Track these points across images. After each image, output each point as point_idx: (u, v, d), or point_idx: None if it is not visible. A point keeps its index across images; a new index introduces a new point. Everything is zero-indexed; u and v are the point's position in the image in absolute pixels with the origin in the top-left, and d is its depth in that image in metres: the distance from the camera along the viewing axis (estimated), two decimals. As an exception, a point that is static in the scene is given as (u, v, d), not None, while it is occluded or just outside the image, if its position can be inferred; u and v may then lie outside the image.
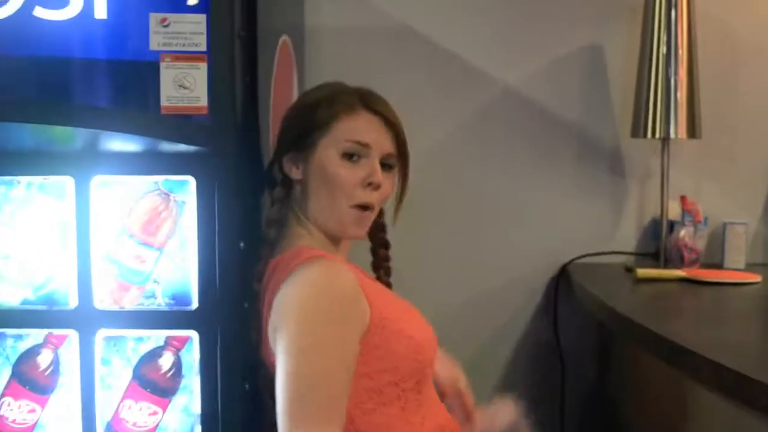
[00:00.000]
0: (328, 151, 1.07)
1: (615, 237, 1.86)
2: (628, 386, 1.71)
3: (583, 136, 1.85)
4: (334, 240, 1.12)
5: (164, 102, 1.07)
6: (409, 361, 1.06)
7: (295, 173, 1.11)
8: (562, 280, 1.84)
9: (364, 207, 1.08)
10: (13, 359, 1.14)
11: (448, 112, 1.85)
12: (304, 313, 0.99)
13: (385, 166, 1.10)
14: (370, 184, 1.06)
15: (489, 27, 1.84)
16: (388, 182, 1.10)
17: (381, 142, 1.09)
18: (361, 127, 1.08)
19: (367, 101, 1.10)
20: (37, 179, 1.14)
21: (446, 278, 1.82)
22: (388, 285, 1.23)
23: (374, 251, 1.22)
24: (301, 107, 1.15)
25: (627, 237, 1.87)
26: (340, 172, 1.06)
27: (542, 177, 1.86)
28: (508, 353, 1.91)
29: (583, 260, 1.83)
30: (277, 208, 1.12)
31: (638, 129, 1.75)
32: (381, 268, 1.23)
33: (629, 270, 1.73)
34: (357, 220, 1.08)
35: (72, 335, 1.12)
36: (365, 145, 1.07)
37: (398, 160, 1.12)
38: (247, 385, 1.11)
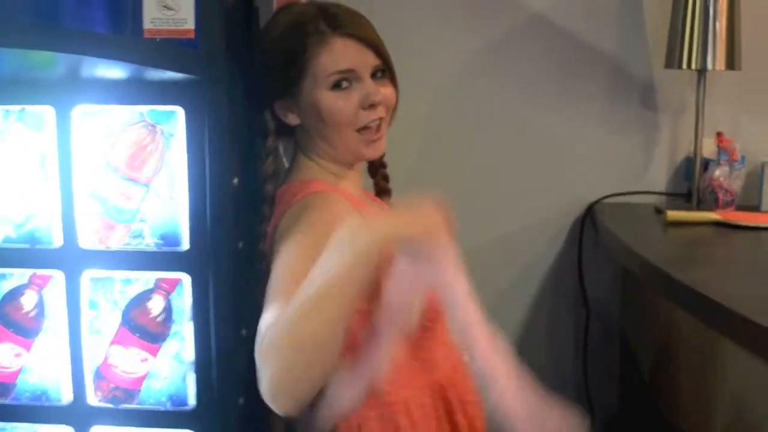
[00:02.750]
0: (315, 91, 1.04)
1: (645, 176, 1.81)
2: (653, 336, 1.66)
3: (614, 65, 1.77)
4: (348, 165, 1.11)
5: (147, 25, 1.00)
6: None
7: (292, 119, 1.09)
8: (588, 221, 1.80)
9: (371, 129, 1.06)
10: None
11: (470, 36, 1.78)
12: (299, 227, 0.95)
13: (377, 75, 1.07)
14: (371, 106, 1.04)
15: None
16: (387, 91, 1.07)
17: (364, 60, 1.05)
18: (339, 55, 1.04)
19: (336, 25, 1.05)
20: (15, 108, 1.08)
21: (466, 218, 1.73)
22: (388, 192, 1.25)
23: (371, 163, 1.22)
24: (271, 46, 1.08)
25: (657, 176, 1.81)
26: (335, 105, 1.04)
27: (569, 109, 1.79)
28: (530, 297, 1.90)
29: (610, 200, 1.79)
30: (272, 159, 1.09)
31: (673, 59, 1.67)
32: (378, 174, 1.24)
33: (659, 212, 1.68)
34: (368, 142, 1.07)
35: (57, 275, 1.08)
36: (349, 71, 1.04)
37: (386, 69, 1.09)
38: (244, 331, 1.05)
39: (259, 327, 0.83)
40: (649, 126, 1.79)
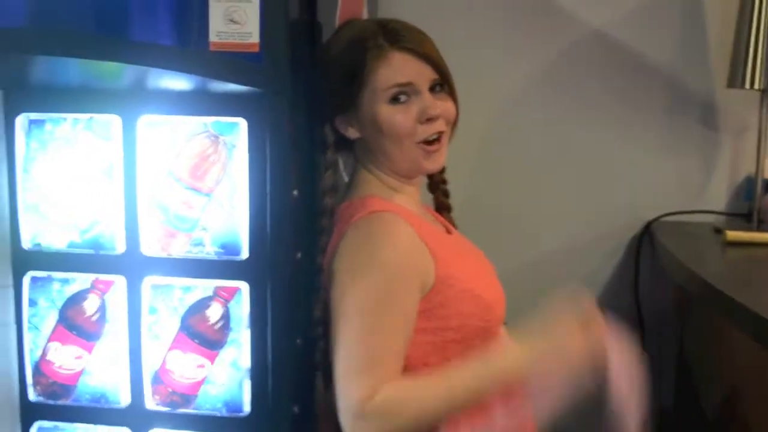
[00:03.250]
0: (374, 104, 1.07)
1: (704, 195, 1.79)
2: (712, 358, 1.64)
3: (675, 84, 1.76)
4: (408, 178, 1.13)
5: (213, 38, 1.01)
6: (475, 321, 1.07)
7: (352, 132, 1.11)
8: (645, 239, 1.80)
9: (431, 141, 1.08)
10: (59, 304, 1.15)
11: (528, 54, 1.79)
12: (358, 269, 1.01)
13: (436, 90, 1.09)
14: (428, 120, 1.06)
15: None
16: (446, 105, 1.09)
17: (422, 73, 1.07)
18: (397, 69, 1.06)
19: (395, 40, 1.08)
20: (83, 117, 1.12)
21: (524, 234, 1.79)
22: (448, 208, 1.28)
23: (431, 178, 1.26)
24: (332, 62, 1.11)
25: (717, 195, 1.79)
26: (393, 118, 1.06)
27: (628, 127, 1.78)
28: None
29: (668, 218, 1.77)
30: (331, 173, 1.12)
31: (736, 78, 1.63)
32: (438, 190, 1.27)
33: (718, 231, 1.65)
34: (427, 155, 1.09)
35: (119, 281, 1.12)
36: (408, 85, 1.06)
37: (444, 84, 1.11)
38: (299, 341, 1.08)
39: (356, 387, 0.96)
40: (710, 145, 1.78)
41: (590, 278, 1.84)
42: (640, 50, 1.75)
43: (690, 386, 1.73)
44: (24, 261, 1.15)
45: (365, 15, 1.47)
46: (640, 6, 1.75)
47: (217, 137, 1.08)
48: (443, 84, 1.09)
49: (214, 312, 1.10)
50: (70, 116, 1.12)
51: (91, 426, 1.16)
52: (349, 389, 0.97)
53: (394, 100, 1.05)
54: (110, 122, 1.10)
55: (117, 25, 1.07)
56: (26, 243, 1.14)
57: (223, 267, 1.10)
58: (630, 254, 1.82)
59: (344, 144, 1.14)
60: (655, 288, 1.81)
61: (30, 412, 1.18)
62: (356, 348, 0.99)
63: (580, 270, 1.83)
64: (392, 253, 1.02)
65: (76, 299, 1.14)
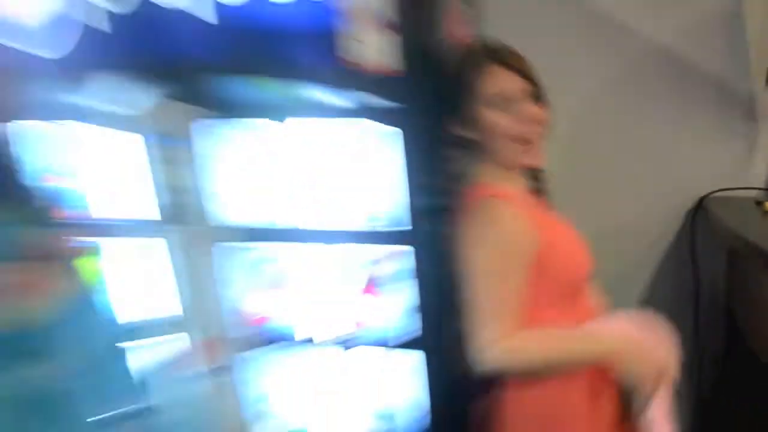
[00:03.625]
0: (484, 110, 1.31)
1: (748, 174, 1.98)
2: (756, 308, 1.78)
3: (723, 84, 1.94)
4: (512, 168, 1.38)
5: (366, 63, 1.25)
6: (569, 274, 1.36)
7: (468, 134, 1.36)
8: (700, 212, 1.99)
9: (528, 140, 1.32)
10: (262, 263, 1.50)
11: (602, 62, 2.00)
12: (487, 241, 1.30)
13: (533, 99, 1.32)
14: (525, 122, 1.31)
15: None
16: (542, 110, 1.33)
17: (517, 85, 1.31)
18: (501, 82, 1.30)
19: (495, 56, 1.32)
20: (272, 123, 1.42)
21: (598, 208, 1.95)
22: (544, 191, 1.51)
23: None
24: (452, 82, 1.35)
25: (759, 174, 1.98)
26: (496, 121, 1.31)
27: (685, 120, 1.98)
28: (646, 280, 2.10)
29: (718, 194, 1.96)
30: (453, 166, 1.41)
31: None
32: (537, 179, 1.49)
33: (759, 203, 1.85)
34: (527, 151, 1.34)
35: (306, 246, 1.46)
36: (510, 95, 1.30)
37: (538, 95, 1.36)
38: (447, 286, 1.37)
39: (485, 331, 1.28)
40: (752, 133, 1.93)
41: (655, 244, 2.04)
42: (694, 57, 1.93)
43: (740, 335, 1.89)
44: (233, 231, 1.46)
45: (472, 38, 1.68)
46: (693, 20, 1.92)
47: (375, 139, 1.36)
48: (537, 94, 1.32)
49: (383, 268, 1.43)
50: (260, 123, 1.42)
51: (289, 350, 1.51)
52: (479, 334, 1.28)
53: (498, 107, 1.30)
54: (293, 127, 1.40)
55: (293, 56, 1.29)
56: (234, 220, 1.46)
57: (394, 236, 1.39)
58: (687, 224, 2.01)
59: (463, 142, 1.40)
60: (708, 252, 1.99)
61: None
62: (483, 302, 1.29)
63: (645, 238, 2.04)
64: (509, 229, 1.30)
65: (275, 260, 1.49)
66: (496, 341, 1.27)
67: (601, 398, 1.40)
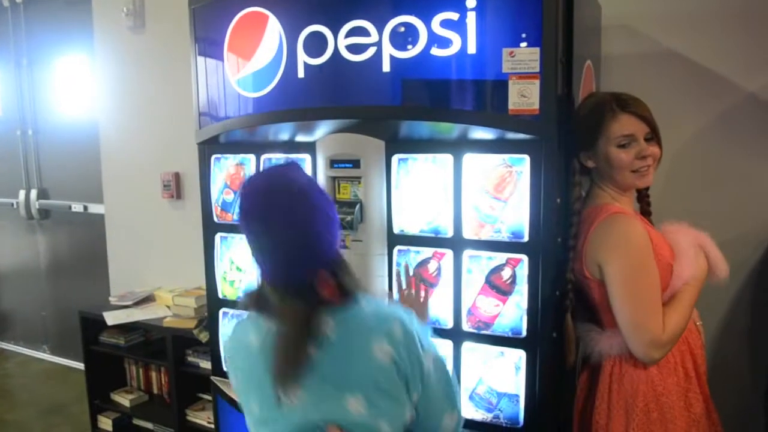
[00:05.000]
0: (607, 147, 1.59)
1: None
2: None
3: None
4: (625, 191, 1.65)
5: (511, 106, 1.56)
6: (667, 279, 1.61)
7: (591, 164, 1.65)
8: None
9: (644, 171, 1.60)
10: (413, 264, 1.78)
11: (698, 116, 2.25)
12: (625, 253, 1.56)
13: (649, 140, 1.58)
14: (642, 158, 1.58)
15: (735, 42, 2.17)
16: (655, 149, 1.59)
17: (639, 128, 1.57)
18: (624, 125, 1.57)
19: (623, 105, 1.58)
20: (430, 156, 1.74)
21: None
22: (649, 212, 1.79)
23: (639, 193, 1.77)
24: (581, 119, 1.64)
25: None
26: (619, 156, 1.58)
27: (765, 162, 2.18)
28: (725, 304, 2.28)
29: None
30: (578, 188, 1.66)
31: None
32: (643, 202, 1.80)
33: None
34: (639, 177, 1.61)
35: (449, 253, 1.73)
36: (629, 135, 1.57)
37: (654, 136, 1.61)
38: (558, 292, 1.64)
39: (650, 327, 1.53)
40: None
41: (739, 267, 2.20)
42: None
43: None
44: (394, 240, 1.77)
45: (594, 88, 1.97)
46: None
47: (511, 167, 1.64)
48: (653, 135, 1.60)
49: (506, 273, 1.67)
50: (421, 156, 1.74)
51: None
52: (646, 330, 1.54)
53: (621, 146, 1.58)
54: (446, 159, 1.70)
55: (450, 100, 1.62)
56: (396, 229, 1.78)
57: (512, 246, 1.65)
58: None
59: (585, 170, 1.68)
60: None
61: None
62: (639, 302, 1.55)
63: (734, 260, 2.07)
64: (638, 237, 1.55)
65: (423, 263, 1.76)
66: (662, 333, 1.54)
67: (691, 383, 1.64)
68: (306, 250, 1.16)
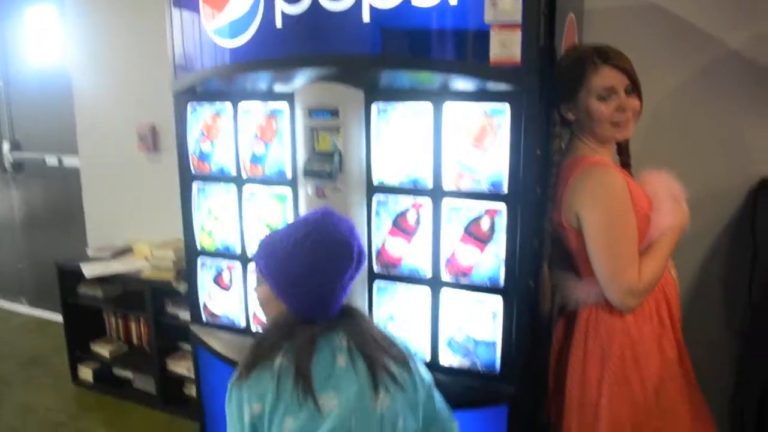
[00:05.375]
0: (587, 99, 1.59)
1: None
2: None
3: None
4: (604, 143, 1.67)
5: (492, 57, 1.54)
6: (645, 229, 1.63)
7: (571, 116, 1.66)
8: (760, 192, 2.17)
9: (623, 124, 1.60)
10: (393, 215, 1.78)
11: (680, 70, 2.25)
12: (603, 203, 1.58)
13: (629, 93, 1.59)
14: (622, 110, 1.58)
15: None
16: (635, 102, 1.60)
17: (620, 81, 1.57)
18: (605, 77, 1.57)
19: (605, 57, 1.58)
20: (410, 104, 1.72)
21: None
22: (629, 164, 1.82)
23: (619, 146, 1.79)
24: (562, 71, 1.64)
25: None
26: (599, 109, 1.59)
27: (747, 114, 2.18)
28: (704, 250, 2.30)
29: None
30: (558, 140, 1.67)
31: None
32: (623, 155, 1.82)
33: None
34: (619, 130, 1.62)
35: (428, 203, 1.73)
36: (610, 88, 1.57)
37: (635, 89, 1.61)
38: (536, 243, 1.66)
39: (627, 276, 1.56)
40: None
41: (719, 216, 2.24)
42: (751, 54, 2.14)
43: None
44: (373, 190, 1.77)
45: (576, 42, 1.95)
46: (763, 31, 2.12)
47: (491, 117, 1.63)
48: (634, 89, 1.60)
49: (485, 223, 1.68)
50: (401, 105, 1.72)
51: (408, 285, 1.79)
52: (622, 279, 1.57)
53: (601, 98, 1.58)
54: (426, 108, 1.69)
55: (431, 50, 1.60)
56: (375, 180, 1.77)
57: (491, 196, 1.65)
58: (749, 201, 2.18)
59: (565, 122, 1.69)
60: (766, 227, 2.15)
61: (372, 277, 1.83)
62: (616, 252, 1.57)
63: (710, 211, 2.22)
64: (617, 186, 1.57)
65: (403, 213, 1.76)
66: (638, 282, 1.57)
67: (665, 330, 1.69)
68: (346, 290, 1.36)
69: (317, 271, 1.28)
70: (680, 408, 1.72)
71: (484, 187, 1.68)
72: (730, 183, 2.24)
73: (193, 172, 2.09)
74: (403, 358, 1.36)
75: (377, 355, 1.31)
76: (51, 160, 4.18)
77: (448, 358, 1.80)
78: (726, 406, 2.40)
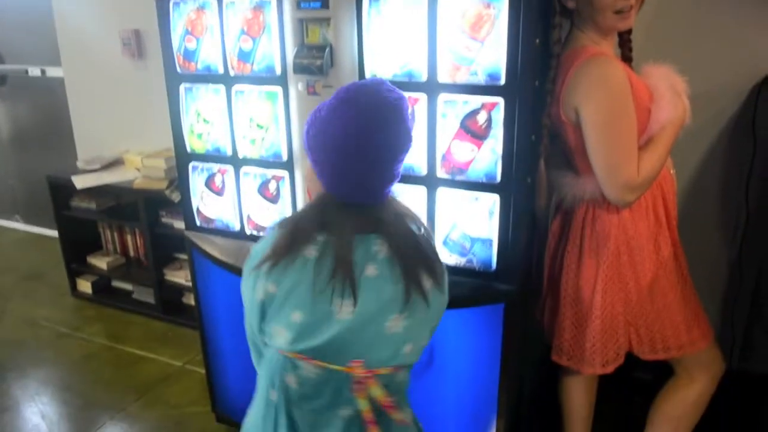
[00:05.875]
0: None
1: None
2: None
3: None
4: (606, 34, 1.62)
5: None
6: (645, 123, 1.60)
7: (571, 4, 1.61)
8: (764, 87, 2.13)
9: (626, 12, 1.55)
10: None
11: None
12: (603, 95, 1.55)
13: None
14: None
15: None
16: None
17: None
18: None
19: None
20: None
21: None
22: (630, 58, 1.78)
23: (620, 37, 1.74)
24: None
25: None
26: None
27: (752, 13, 2.13)
28: (706, 144, 2.29)
29: None
30: (557, 30, 1.62)
31: None
32: (625, 47, 1.79)
33: None
34: (621, 19, 1.58)
35: (423, 98, 1.67)
36: None
37: None
38: (533, 137, 1.62)
39: (625, 170, 1.54)
40: None
41: (721, 110, 2.22)
42: None
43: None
44: None
45: None
46: None
47: (489, 5, 1.55)
48: None
49: (482, 117, 1.63)
50: None
51: (404, 185, 1.72)
52: (620, 174, 1.54)
53: None
54: None
55: None
56: (368, 73, 1.70)
57: (488, 89, 1.59)
58: (752, 97, 2.16)
59: (565, 12, 1.63)
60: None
61: None
62: (615, 145, 1.54)
63: (713, 105, 2.20)
64: (617, 78, 1.52)
65: None
66: (636, 176, 1.55)
67: (661, 227, 1.68)
68: (391, 173, 1.21)
69: (357, 144, 1.15)
70: (674, 306, 1.73)
71: (481, 79, 1.61)
72: (733, 79, 2.19)
73: (179, 71, 2.02)
74: (439, 275, 1.26)
75: (416, 270, 1.21)
76: (34, 71, 4.06)
77: (445, 257, 1.79)
78: (719, 306, 2.43)
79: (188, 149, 2.09)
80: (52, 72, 3.99)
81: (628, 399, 2.46)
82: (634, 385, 2.42)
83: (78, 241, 3.60)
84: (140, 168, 3.23)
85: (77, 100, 3.83)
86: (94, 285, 3.59)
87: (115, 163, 3.48)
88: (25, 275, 3.99)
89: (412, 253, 1.22)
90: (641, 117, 1.59)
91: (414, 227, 1.27)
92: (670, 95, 1.62)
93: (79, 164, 3.50)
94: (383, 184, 1.22)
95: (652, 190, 1.67)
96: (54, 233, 3.78)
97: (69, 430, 2.55)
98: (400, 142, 1.19)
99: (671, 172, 1.75)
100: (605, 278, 1.72)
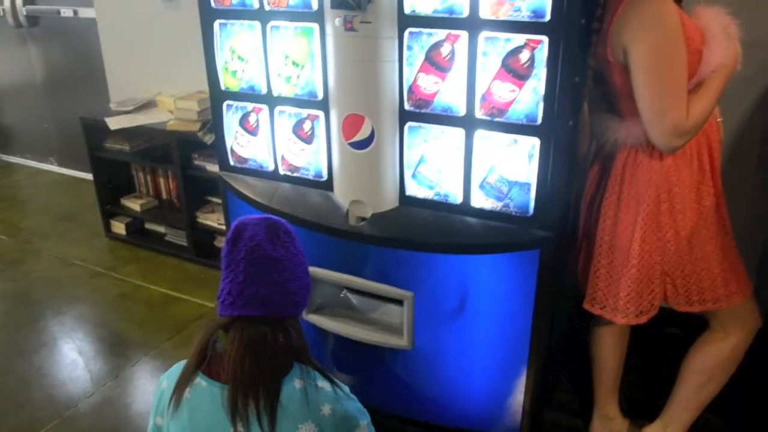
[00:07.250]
0: None
1: None
2: None
3: None
4: None
5: None
6: (695, 65, 1.55)
7: None
8: None
9: None
10: (426, 48, 1.68)
11: None
12: (654, 35, 1.49)
13: None
14: None
15: None
16: None
17: None
18: None
19: None
20: None
21: None
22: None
23: None
24: None
25: None
26: None
27: None
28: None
29: None
30: None
31: None
32: None
33: None
34: None
35: (463, 35, 1.62)
36: None
37: None
38: (577, 78, 1.57)
39: (673, 113, 1.49)
40: None
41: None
42: None
43: None
44: (405, 21, 1.65)
45: None
46: None
47: None
48: None
49: (524, 56, 1.58)
50: None
51: (441, 126, 1.73)
52: (669, 117, 1.49)
53: None
54: None
55: None
56: (407, 8, 1.65)
57: (532, 26, 1.53)
58: None
59: None
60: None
61: (404, 117, 1.76)
62: (664, 87, 1.50)
63: (765, 58, 2.11)
64: (670, 16, 1.47)
65: (436, 46, 1.65)
66: (685, 120, 1.50)
67: (705, 176, 1.63)
68: (293, 295, 1.26)
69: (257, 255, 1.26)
70: (712, 257, 1.70)
71: (525, 15, 1.55)
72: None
73: (213, 6, 1.98)
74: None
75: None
76: (66, 12, 4.05)
77: (480, 201, 1.77)
78: (758, 261, 2.38)
79: (222, 87, 2.06)
80: (84, 13, 3.97)
81: (658, 353, 2.44)
82: (665, 339, 2.40)
83: (112, 184, 3.64)
84: (173, 110, 3.23)
85: (110, 42, 3.82)
86: (127, 226, 3.64)
87: (147, 105, 3.49)
88: (60, 216, 4.06)
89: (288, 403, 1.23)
90: (692, 59, 1.53)
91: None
92: (722, 37, 1.55)
93: (112, 106, 3.51)
94: (280, 308, 1.27)
95: (698, 137, 1.62)
96: (88, 176, 3.83)
97: (105, 365, 2.61)
98: (300, 272, 1.32)
99: (718, 120, 1.69)
100: (644, 226, 1.68)
